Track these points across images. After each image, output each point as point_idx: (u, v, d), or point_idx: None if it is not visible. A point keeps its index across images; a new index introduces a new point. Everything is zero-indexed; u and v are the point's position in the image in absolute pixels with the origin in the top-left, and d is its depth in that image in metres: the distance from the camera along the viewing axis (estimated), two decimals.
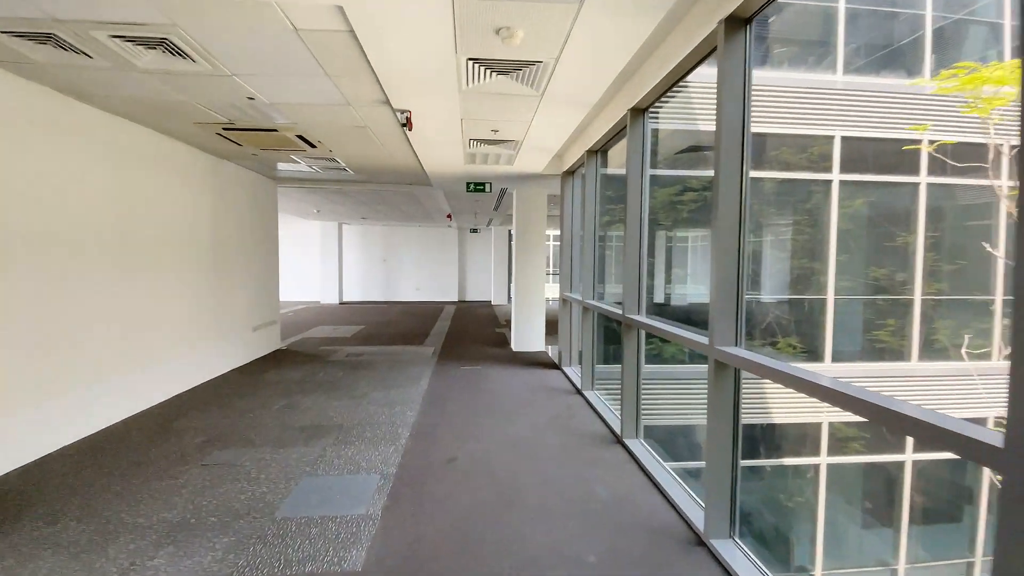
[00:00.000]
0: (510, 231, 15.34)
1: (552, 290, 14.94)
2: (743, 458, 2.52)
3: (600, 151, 4.97)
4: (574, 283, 6.19)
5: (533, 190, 7.40)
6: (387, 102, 3.53)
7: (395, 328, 9.86)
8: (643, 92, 3.31)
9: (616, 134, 4.35)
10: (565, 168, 6.07)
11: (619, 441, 3.75)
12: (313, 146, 4.98)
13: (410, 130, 3.66)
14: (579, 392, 5.16)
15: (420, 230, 16.30)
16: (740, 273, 2.36)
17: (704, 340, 2.47)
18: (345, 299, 15.84)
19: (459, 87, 3.18)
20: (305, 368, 6.17)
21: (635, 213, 3.66)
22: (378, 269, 16.30)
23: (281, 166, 6.29)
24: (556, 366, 6.43)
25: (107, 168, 4.00)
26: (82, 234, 3.77)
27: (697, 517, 2.59)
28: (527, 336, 7.53)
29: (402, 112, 3.61)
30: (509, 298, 15.60)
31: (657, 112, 3.84)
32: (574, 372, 5.95)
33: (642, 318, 3.52)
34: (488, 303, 15.73)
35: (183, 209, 5.07)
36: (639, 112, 3.60)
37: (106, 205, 4.03)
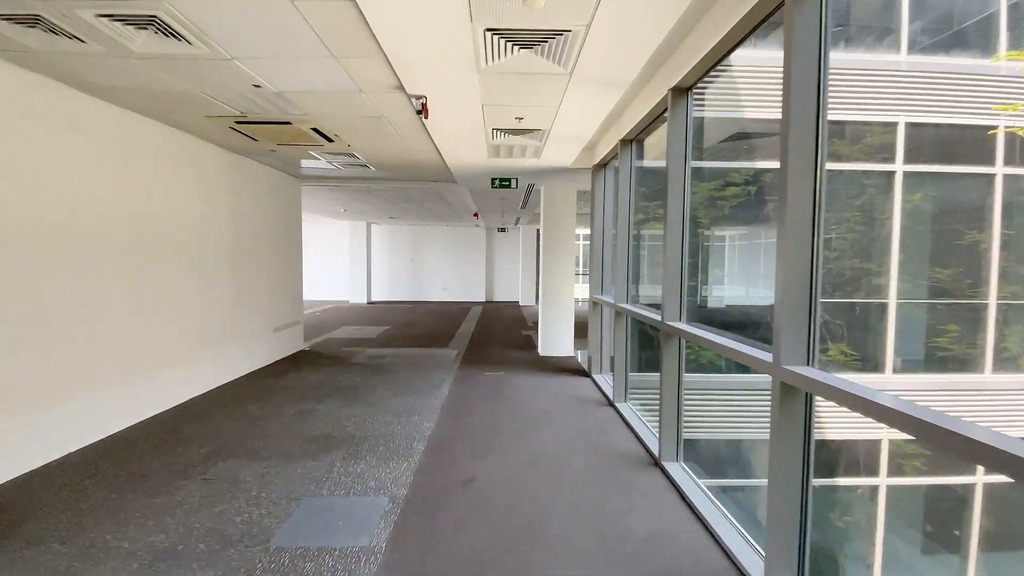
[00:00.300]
0: (538, 230, 14.96)
1: (582, 291, 14.51)
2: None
3: (635, 140, 4.55)
4: (605, 285, 5.77)
5: (562, 186, 7.01)
6: (401, 87, 3.23)
7: (420, 329, 9.65)
8: (686, 68, 2.89)
9: (654, 119, 3.93)
10: (596, 161, 5.66)
11: (657, 464, 3.34)
12: (330, 140, 4.76)
13: (426, 118, 3.36)
14: (611, 404, 4.75)
15: (448, 229, 16.13)
16: (813, 279, 1.93)
17: (766, 357, 2.04)
18: (373, 299, 15.82)
19: (477, 65, 2.85)
20: (325, 371, 5.98)
21: (676, 208, 3.23)
22: (406, 269, 16.22)
23: (304, 164, 6.13)
24: (585, 373, 6.02)
25: (116, 162, 3.87)
26: (89, 230, 3.63)
27: (752, 564, 2.17)
28: (555, 340, 7.15)
29: (417, 98, 3.30)
30: (537, 299, 15.22)
31: (703, 92, 3.41)
32: (605, 381, 5.54)
33: (685, 326, 3.10)
34: (516, 304, 15.40)
35: (199, 206, 4.93)
36: (682, 92, 3.18)
37: (116, 201, 3.89)
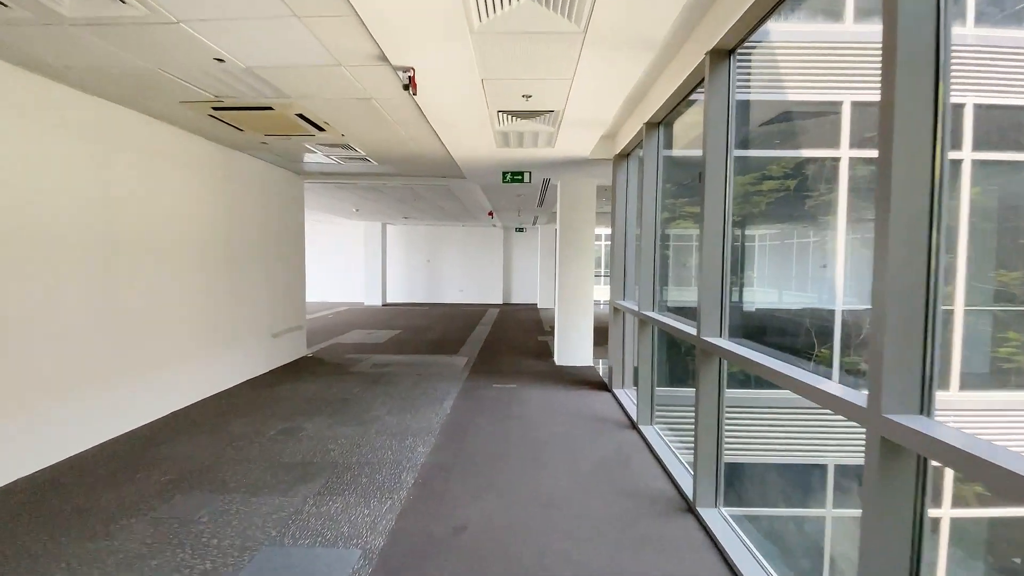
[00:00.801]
0: (557, 230, 14.37)
1: (602, 293, 13.91)
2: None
3: (662, 124, 3.96)
4: (628, 289, 5.18)
5: (579, 180, 6.43)
6: (383, 57, 2.73)
7: (431, 333, 9.19)
8: (728, 25, 2.31)
9: (687, 95, 3.33)
10: (618, 150, 5.08)
11: (691, 510, 2.75)
12: (321, 129, 4.31)
13: (415, 94, 2.85)
14: (634, 426, 4.16)
15: (464, 230, 15.69)
16: (931, 297, 1.33)
17: (858, 401, 1.45)
18: (389, 300, 15.50)
19: (469, 24, 2.32)
20: (322, 381, 5.55)
21: (716, 201, 2.65)
22: (422, 270, 15.85)
23: (305, 159, 5.73)
24: (605, 387, 5.43)
25: (85, 155, 3.48)
26: (55, 227, 3.25)
27: None
28: (572, 348, 6.57)
29: (404, 71, 2.80)
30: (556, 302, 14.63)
31: (748, 58, 2.81)
32: (627, 397, 4.94)
33: (727, 344, 2.51)
34: (534, 306, 14.84)
35: (186, 203, 4.55)
36: (723, 56, 2.58)
37: (87, 196, 3.51)
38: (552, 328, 9.73)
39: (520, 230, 15.66)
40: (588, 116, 3.85)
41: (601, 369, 6.34)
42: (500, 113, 3.72)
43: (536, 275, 15.29)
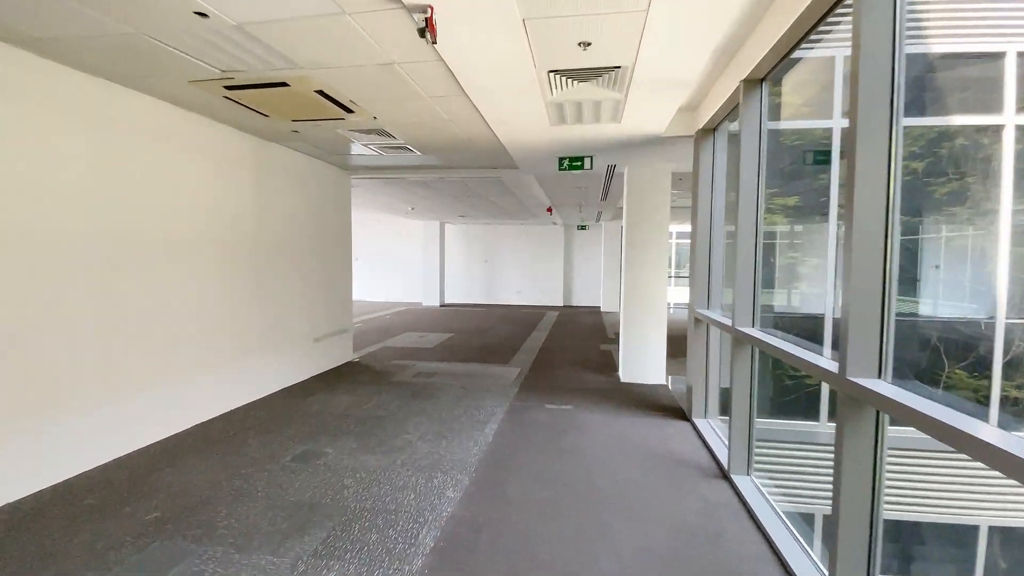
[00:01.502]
0: (623, 227, 13.29)
1: (676, 294, 12.63)
2: None
3: (766, 79, 3.00)
4: (712, 296, 4.21)
5: (651, 166, 5.50)
6: None
7: (484, 338, 8.58)
8: None
9: (806, 34, 2.38)
10: (701, 124, 4.12)
11: None
12: (348, 110, 3.77)
13: (434, 41, 2.17)
14: (725, 476, 3.22)
15: (523, 228, 15.02)
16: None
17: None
18: (447, 301, 15.18)
19: None
20: (360, 392, 5.06)
21: (872, 186, 1.72)
22: (480, 270, 15.38)
23: (345, 152, 5.31)
24: (683, 414, 4.48)
25: (83, 141, 3.15)
26: (51, 221, 2.93)
27: None
28: (641, 362, 5.64)
29: (419, 10, 2.12)
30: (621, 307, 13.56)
31: None
32: (712, 430, 3.99)
33: (899, 394, 1.58)
34: (596, 310, 13.85)
35: (205, 197, 4.21)
36: None
37: (89, 187, 3.19)
38: (616, 336, 8.79)
39: (582, 228, 14.73)
40: (666, 73, 2.98)
41: (675, 388, 5.36)
42: (552, 75, 2.95)
43: (599, 276, 14.30)
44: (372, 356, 6.95)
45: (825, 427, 4.70)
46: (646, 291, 5.59)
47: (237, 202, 4.54)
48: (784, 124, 3.94)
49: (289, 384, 5.28)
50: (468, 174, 6.31)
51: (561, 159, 5.06)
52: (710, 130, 4.19)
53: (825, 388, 4.54)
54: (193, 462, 3.33)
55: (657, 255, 5.55)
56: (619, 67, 2.86)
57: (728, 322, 3.33)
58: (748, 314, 3.15)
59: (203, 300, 4.12)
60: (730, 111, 3.74)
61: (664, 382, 5.60)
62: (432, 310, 13.28)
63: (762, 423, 3.70)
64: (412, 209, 10.92)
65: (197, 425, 4.03)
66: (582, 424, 4.15)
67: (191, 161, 3.98)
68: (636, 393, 5.16)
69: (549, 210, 10.16)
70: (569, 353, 7.38)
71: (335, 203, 6.25)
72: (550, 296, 14.94)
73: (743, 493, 2.92)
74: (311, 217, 5.71)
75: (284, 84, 3.26)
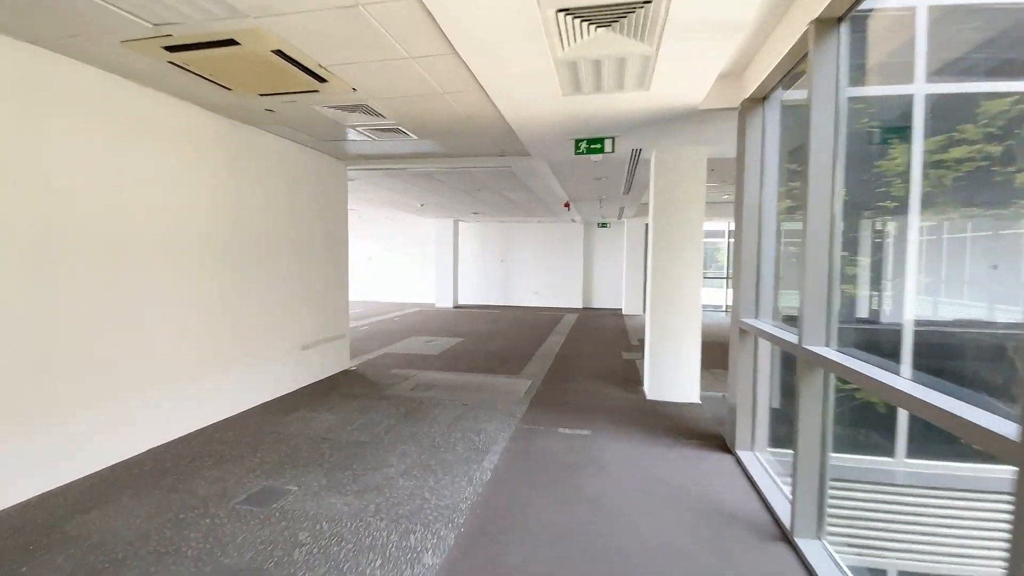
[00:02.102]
0: (647, 224, 12.46)
1: (703, 294, 11.69)
2: None
3: (846, 19, 2.26)
4: (762, 303, 3.45)
5: (683, 150, 4.74)
6: None
7: (495, 343, 7.91)
8: None
9: None
10: (748, 93, 3.37)
11: None
12: (320, 78, 3.15)
13: None
14: (787, 539, 2.48)
15: (540, 226, 14.31)
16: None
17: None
18: (460, 302, 14.59)
19: None
20: (347, 409, 4.45)
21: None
22: (495, 270, 14.74)
23: (336, 136, 4.73)
24: (723, 444, 3.73)
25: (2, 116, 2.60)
26: None
27: None
28: (670, 376, 4.89)
29: None
30: (645, 307, 12.72)
31: None
32: (763, 469, 3.24)
33: None
34: (618, 313, 13.05)
35: (172, 189, 3.65)
36: None
37: (13, 173, 2.64)
38: (640, 343, 8.01)
39: (603, 225, 13.94)
40: (711, 8, 2.25)
41: (710, 408, 4.60)
42: (561, 15, 2.26)
43: (621, 277, 13.50)
44: (370, 364, 6.36)
45: (903, 464, 3.87)
46: (677, 296, 4.83)
47: (209, 194, 3.98)
48: (866, 91, 3.16)
49: (270, 398, 4.71)
50: (475, 163, 5.66)
51: (578, 141, 4.35)
52: (759, 100, 3.44)
53: (902, 414, 3.72)
54: (128, 501, 2.76)
55: (690, 254, 4.78)
56: (648, 1, 2.15)
57: (792, 338, 2.58)
58: (820, 330, 2.40)
59: (167, 306, 3.56)
60: (787, 72, 3.00)
61: (697, 400, 4.83)
62: (444, 312, 12.69)
63: (845, 462, 2.92)
64: (422, 205, 10.34)
65: (151, 450, 3.47)
66: (601, 457, 3.44)
67: (147, 144, 3.42)
68: (665, 414, 4.42)
69: (567, 205, 9.44)
70: (587, 362, 6.65)
71: (329, 196, 5.67)
72: (568, 297, 14.19)
73: (814, 568, 2.18)
74: (300, 211, 5.13)
75: (233, 42, 2.65)
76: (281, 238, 4.85)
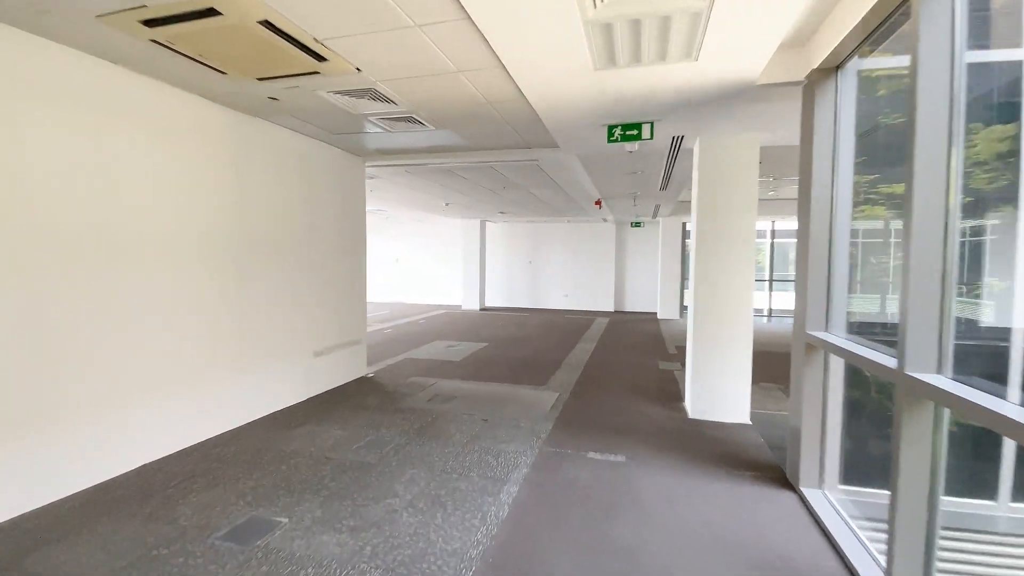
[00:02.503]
0: (684, 223, 11.79)
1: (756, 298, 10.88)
2: None
3: None
4: (833, 314, 2.89)
5: (733, 137, 4.19)
6: None
7: (522, 350, 7.48)
8: None
9: None
10: (817, 62, 2.82)
11: None
12: (319, 56, 2.80)
13: None
14: None
15: (570, 226, 13.79)
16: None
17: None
18: (487, 304, 14.24)
19: None
20: (357, 422, 4.11)
21: None
22: (523, 272, 14.31)
23: (357, 128, 4.42)
24: (783, 478, 3.17)
25: None
26: None
27: None
28: (716, 393, 4.33)
29: None
30: (682, 311, 12.03)
31: None
32: (836, 514, 2.68)
33: None
34: (652, 317, 12.38)
35: (172, 185, 3.39)
36: None
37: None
38: (680, 349, 7.40)
39: (637, 225, 13.29)
40: None
41: (762, 431, 4.02)
42: None
43: (656, 278, 12.82)
44: (389, 371, 6.04)
45: (1008, 509, 3.21)
46: (724, 302, 4.27)
47: (213, 190, 3.71)
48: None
49: (278, 408, 4.43)
50: (499, 157, 5.24)
51: (611, 128, 3.87)
52: (830, 70, 2.88)
53: (1008, 446, 3.08)
54: (104, 529, 2.47)
55: (740, 257, 4.22)
56: None
57: (888, 361, 2.04)
58: (930, 352, 1.86)
59: (164, 310, 3.29)
60: (868, 34, 2.45)
61: (747, 420, 4.26)
62: (470, 314, 12.35)
63: (881, 496, 2.31)
64: (447, 205, 10.01)
65: (143, 467, 3.20)
66: (638, 492, 2.95)
67: (141, 137, 3.16)
68: (711, 437, 3.87)
69: (598, 203, 8.92)
70: (620, 372, 6.12)
71: (345, 193, 5.37)
72: (600, 300, 13.61)
73: None
74: (314, 209, 4.85)
75: (214, 12, 2.32)
76: (293, 238, 4.57)
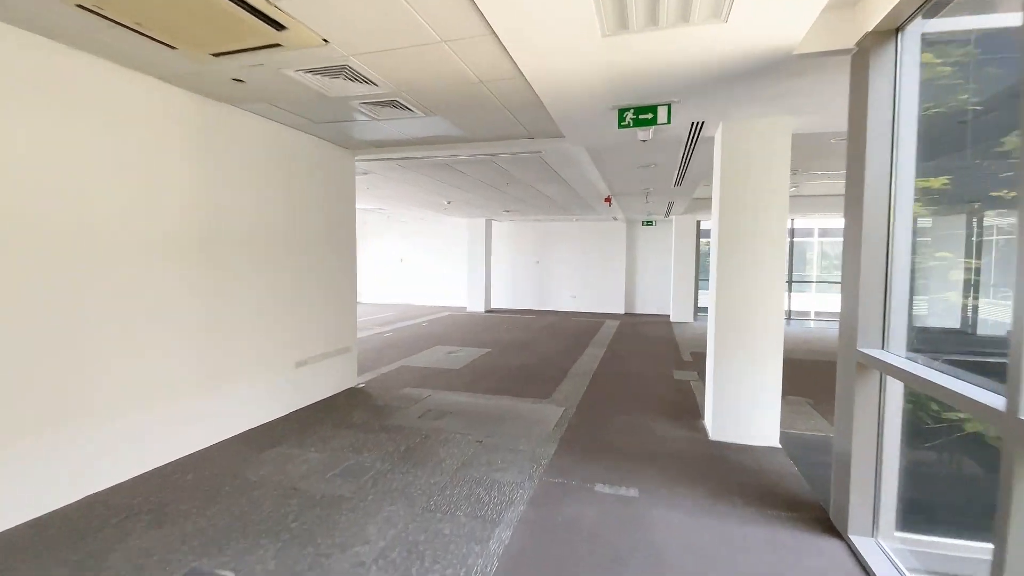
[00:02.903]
0: (699, 221, 11.24)
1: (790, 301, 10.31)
2: None
3: None
4: (892, 326, 2.39)
5: (760, 120, 3.69)
6: None
7: (526, 356, 7.02)
8: None
9: None
10: (872, 24, 2.33)
11: None
12: (277, 25, 2.38)
13: None
14: None
15: (578, 225, 13.30)
16: None
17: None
18: (493, 306, 13.81)
19: None
20: (337, 443, 3.69)
21: None
22: (530, 272, 13.85)
23: (350, 118, 4.01)
24: (825, 519, 2.68)
25: None
26: None
27: None
28: (741, 409, 3.84)
29: None
30: (696, 314, 11.49)
31: None
32: (894, 569, 2.19)
33: None
34: (665, 319, 11.85)
35: (121, 176, 2.99)
36: None
37: None
38: (695, 358, 6.88)
39: (648, 223, 12.76)
40: None
41: (794, 456, 3.52)
42: None
43: (668, 280, 12.28)
44: (381, 381, 5.62)
45: None
46: (751, 308, 3.78)
47: (180, 185, 3.32)
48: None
49: (254, 425, 4.03)
50: (499, 149, 4.79)
51: (622, 112, 3.40)
52: (888, 33, 2.39)
53: None
54: (47, 562, 2.06)
55: (770, 258, 3.73)
56: None
57: (992, 400, 1.55)
58: None
59: (117, 316, 2.89)
60: None
61: (776, 443, 3.77)
62: (475, 317, 11.92)
63: (949, 547, 1.81)
64: (448, 203, 9.59)
65: (88, 498, 2.80)
66: (654, 538, 2.48)
67: (94, 124, 2.76)
68: (737, 465, 3.39)
69: (608, 201, 8.43)
70: (632, 383, 5.65)
71: (332, 189, 4.96)
72: (609, 302, 13.10)
73: None
74: (296, 207, 4.44)
75: None
76: (272, 237, 4.17)
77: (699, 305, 11.67)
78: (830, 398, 5.05)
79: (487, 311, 13.02)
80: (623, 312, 12.99)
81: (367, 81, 3.12)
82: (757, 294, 3.77)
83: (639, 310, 13.12)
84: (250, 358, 3.97)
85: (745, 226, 3.78)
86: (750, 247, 3.77)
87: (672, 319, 11.56)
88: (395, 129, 4.29)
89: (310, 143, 4.60)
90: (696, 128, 3.98)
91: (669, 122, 3.37)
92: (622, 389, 5.37)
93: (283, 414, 4.32)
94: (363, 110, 3.74)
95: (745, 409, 3.83)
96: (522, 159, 5.42)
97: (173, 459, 3.35)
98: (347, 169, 5.21)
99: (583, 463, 3.37)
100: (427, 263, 14.65)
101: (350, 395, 5.00)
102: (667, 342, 8.52)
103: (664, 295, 12.66)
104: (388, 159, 5.46)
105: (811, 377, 5.88)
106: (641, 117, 3.37)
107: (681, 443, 3.79)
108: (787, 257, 3.77)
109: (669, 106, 3.33)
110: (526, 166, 5.85)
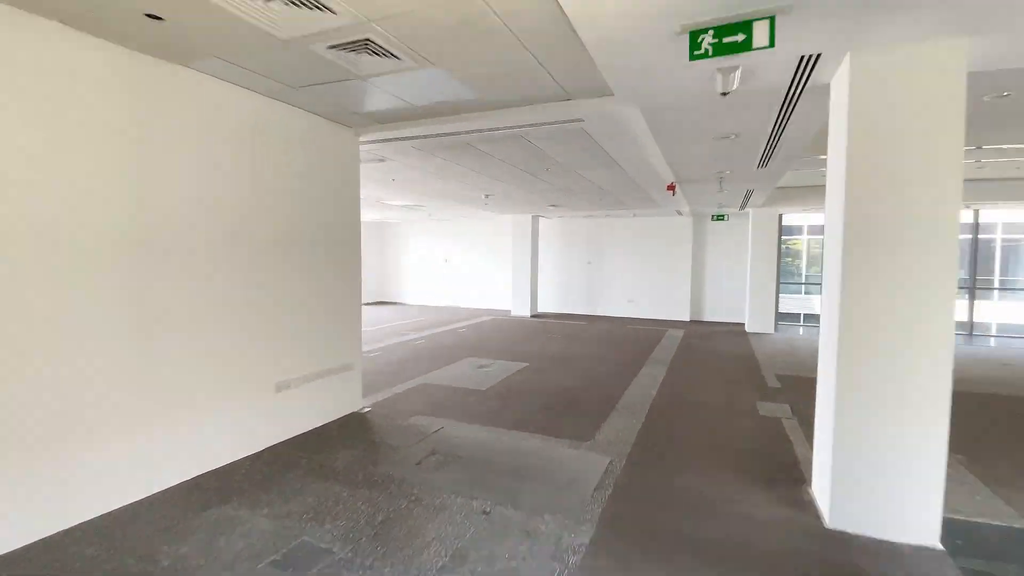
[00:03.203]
0: (781, 215, 9.56)
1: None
2: None
3: None
4: None
5: (916, 46, 2.37)
6: None
7: (569, 374, 5.90)
8: None
9: None
10: None
11: None
12: None
13: None
14: None
15: (636, 221, 11.92)
16: None
17: None
18: (540, 310, 12.74)
19: None
20: (298, 505, 2.80)
21: None
22: (581, 274, 12.64)
23: (342, 82, 3.15)
24: None
25: None
26: None
27: None
28: (877, 480, 2.53)
29: None
30: (777, 324, 9.80)
31: None
32: None
33: None
34: (740, 328, 10.22)
35: (43, 159, 2.25)
36: None
37: None
38: (784, 384, 5.34)
39: (719, 218, 11.14)
40: None
41: (967, 566, 2.19)
42: None
43: (744, 283, 10.62)
44: (392, 403, 4.73)
45: None
46: (900, 331, 2.47)
47: (105, 168, 2.56)
48: None
49: (210, 468, 3.22)
50: (528, 118, 3.73)
51: (696, 33, 2.22)
52: None
53: None
54: None
55: (935, 256, 2.41)
56: None
57: None
58: None
59: (30, 328, 2.16)
60: None
61: (936, 542, 2.43)
62: (519, 322, 10.91)
63: None
64: (487, 197, 8.63)
65: (33, 544, 2.06)
66: None
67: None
68: None
69: (671, 188, 7.09)
70: (703, 420, 4.38)
71: (328, 175, 4.13)
72: (672, 308, 11.61)
73: None
74: (277, 195, 3.63)
75: None
76: (246, 233, 3.37)
77: (780, 311, 9.96)
78: (1001, 455, 3.55)
79: (532, 315, 11.97)
80: (689, 319, 11.45)
81: (318, 5, 2.18)
82: (910, 311, 2.46)
83: (707, 317, 11.52)
84: (207, 380, 3.18)
85: (886, 213, 2.47)
86: (895, 244, 2.46)
87: (748, 329, 9.92)
88: (392, 93, 3.36)
89: (294, 116, 3.77)
90: (806, 67, 2.70)
91: (772, 45, 2.15)
92: (689, 429, 4.13)
93: (253, 452, 3.51)
94: (338, 60, 2.82)
95: (886, 481, 2.52)
96: (559, 132, 4.32)
97: (89, 518, 2.59)
98: (348, 151, 4.35)
99: (632, 565, 2.24)
100: (472, 263, 13.85)
101: (346, 424, 4.14)
102: (744, 360, 7.05)
103: (737, 301, 11.00)
104: (398, 139, 4.57)
105: (970, 418, 4.31)
106: (726, 41, 2.18)
107: (780, 532, 2.54)
108: (957, 259, 2.42)
109: (772, 19, 2.11)
110: (566, 142, 4.73)
